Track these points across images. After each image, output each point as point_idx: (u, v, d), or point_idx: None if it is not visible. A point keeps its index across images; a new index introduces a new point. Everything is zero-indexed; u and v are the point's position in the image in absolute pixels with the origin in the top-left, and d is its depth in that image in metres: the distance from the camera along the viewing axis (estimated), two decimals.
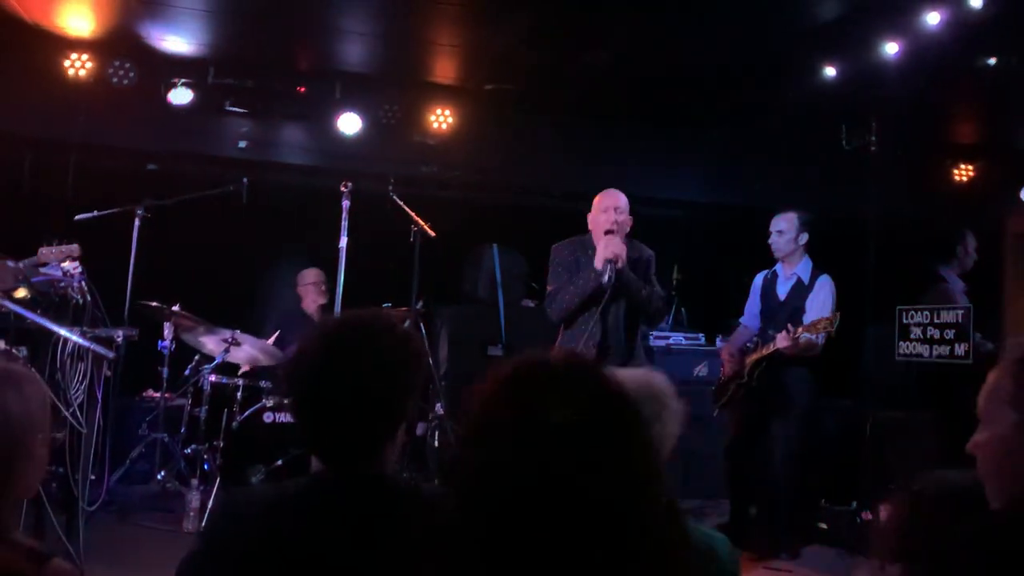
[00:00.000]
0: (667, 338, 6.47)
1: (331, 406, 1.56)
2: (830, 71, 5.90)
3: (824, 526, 5.17)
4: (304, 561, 1.48)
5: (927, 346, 4.80)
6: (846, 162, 5.95)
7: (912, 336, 4.88)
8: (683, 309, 6.90)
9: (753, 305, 5.17)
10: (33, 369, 3.23)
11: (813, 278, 4.92)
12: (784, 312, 4.89)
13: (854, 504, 5.09)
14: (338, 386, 1.55)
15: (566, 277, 4.33)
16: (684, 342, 6.50)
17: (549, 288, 4.41)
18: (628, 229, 4.36)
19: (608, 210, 4.30)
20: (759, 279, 5.18)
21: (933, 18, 5.07)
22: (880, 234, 5.41)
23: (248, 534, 1.51)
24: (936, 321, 4.74)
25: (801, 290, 4.92)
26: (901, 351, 4.96)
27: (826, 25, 5.28)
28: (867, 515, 4.85)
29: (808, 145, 7.04)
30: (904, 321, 4.95)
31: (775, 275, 5.08)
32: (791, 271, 4.98)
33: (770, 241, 5.00)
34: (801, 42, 5.56)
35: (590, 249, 4.30)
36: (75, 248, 3.97)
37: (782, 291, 4.99)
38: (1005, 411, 1.33)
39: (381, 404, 1.58)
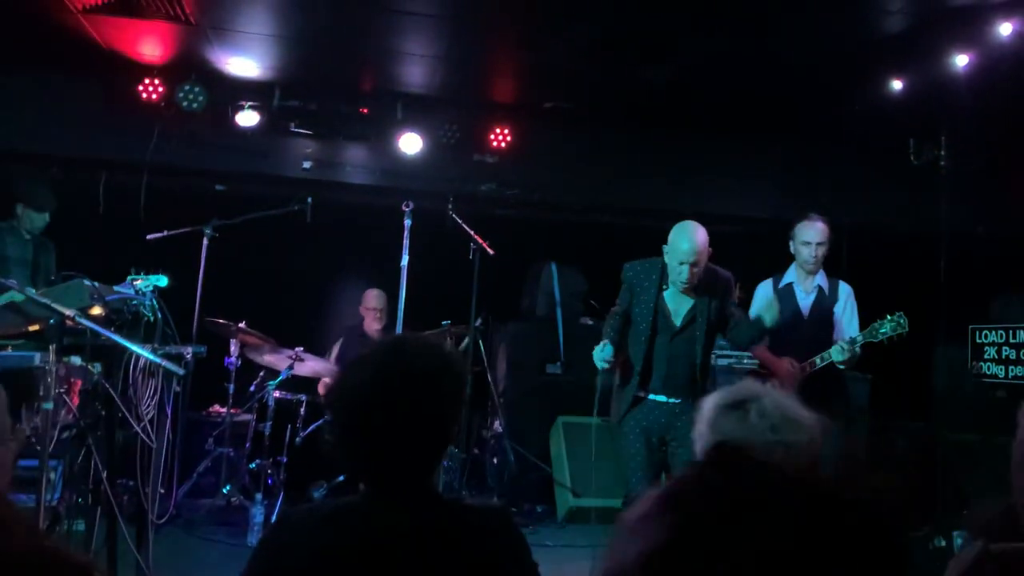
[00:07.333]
0: (730, 358, 6.35)
1: (382, 433, 1.54)
2: (897, 85, 5.78)
3: None
4: None
5: (1002, 367, 4.64)
6: (915, 178, 5.79)
7: (986, 356, 4.73)
8: None
9: None
10: (107, 384, 3.33)
11: (832, 286, 4.64)
12: (809, 326, 4.59)
13: (925, 530, 4.91)
14: (389, 413, 1.53)
15: (625, 300, 4.21)
16: (747, 363, 6.36)
17: (613, 307, 4.29)
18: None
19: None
20: (767, 291, 4.78)
21: (1005, 29, 4.93)
22: (952, 251, 5.25)
23: (299, 550, 1.51)
24: (1012, 341, 4.58)
25: (824, 300, 4.63)
26: (974, 372, 4.79)
27: (892, 38, 5.17)
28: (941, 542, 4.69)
29: (875, 161, 6.88)
30: (977, 340, 4.79)
31: (789, 288, 4.71)
32: (812, 283, 4.67)
33: (815, 255, 4.60)
34: (866, 56, 5.45)
35: (654, 274, 4.14)
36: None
37: (804, 305, 4.66)
38: None
39: (431, 429, 1.57)
